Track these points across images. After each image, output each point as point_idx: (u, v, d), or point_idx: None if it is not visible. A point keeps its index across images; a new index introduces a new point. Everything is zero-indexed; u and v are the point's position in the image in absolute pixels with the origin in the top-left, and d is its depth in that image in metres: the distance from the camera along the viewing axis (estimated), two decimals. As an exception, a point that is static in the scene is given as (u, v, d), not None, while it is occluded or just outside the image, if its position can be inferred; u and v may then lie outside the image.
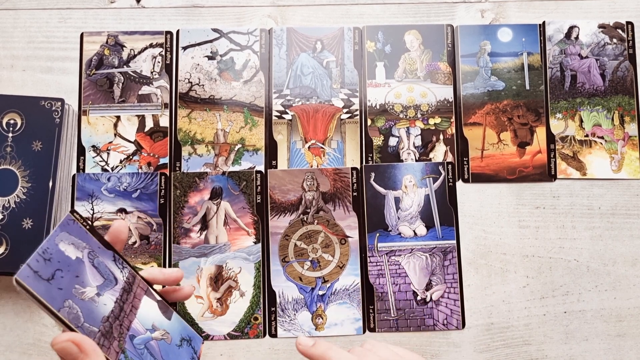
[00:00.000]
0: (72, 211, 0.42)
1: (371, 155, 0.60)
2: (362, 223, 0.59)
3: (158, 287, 0.45)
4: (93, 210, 0.58)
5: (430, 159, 0.60)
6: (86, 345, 0.36)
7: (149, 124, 0.60)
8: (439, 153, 0.60)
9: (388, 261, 0.58)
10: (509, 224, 0.59)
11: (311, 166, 0.60)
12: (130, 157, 0.60)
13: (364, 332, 0.57)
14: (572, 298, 0.58)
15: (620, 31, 0.62)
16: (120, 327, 0.41)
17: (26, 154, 0.56)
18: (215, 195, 0.59)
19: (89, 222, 0.42)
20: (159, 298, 0.46)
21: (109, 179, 0.58)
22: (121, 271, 0.43)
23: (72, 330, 0.36)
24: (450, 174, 0.59)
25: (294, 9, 0.62)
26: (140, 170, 0.59)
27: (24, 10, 0.62)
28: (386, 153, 0.60)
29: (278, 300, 0.57)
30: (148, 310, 0.44)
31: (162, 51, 0.61)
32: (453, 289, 0.58)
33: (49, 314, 0.36)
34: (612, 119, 0.61)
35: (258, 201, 0.59)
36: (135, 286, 0.44)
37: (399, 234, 0.58)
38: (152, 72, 0.61)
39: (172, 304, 0.47)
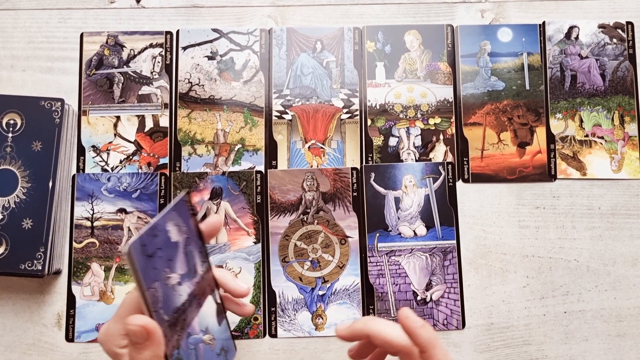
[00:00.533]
0: (187, 192, 0.41)
1: (371, 155, 0.60)
2: (362, 223, 0.59)
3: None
4: (93, 210, 0.58)
5: (430, 159, 0.60)
6: (156, 335, 0.36)
7: (149, 124, 0.60)
8: (439, 153, 0.60)
9: (388, 261, 0.58)
10: (509, 224, 0.59)
11: (311, 166, 0.60)
12: (130, 157, 0.60)
13: (364, 332, 0.57)
14: (572, 298, 0.58)
15: (620, 31, 0.62)
16: (184, 322, 0.40)
17: (26, 154, 0.56)
18: (215, 195, 0.59)
19: (195, 209, 0.41)
20: (219, 301, 0.46)
21: (108, 179, 0.58)
22: (201, 265, 0.43)
23: (149, 312, 0.36)
24: (450, 174, 0.59)
25: (294, 9, 0.62)
26: (140, 171, 0.59)
27: (23, 10, 0.62)
28: (386, 153, 0.60)
29: (278, 300, 0.57)
30: (207, 311, 0.44)
31: (162, 51, 0.61)
32: (453, 289, 0.58)
33: (139, 291, 0.35)
34: (612, 119, 0.61)
35: (258, 201, 0.59)
36: (206, 283, 0.44)
37: (399, 234, 0.58)
38: (152, 72, 0.61)
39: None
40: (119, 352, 0.39)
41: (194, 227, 0.42)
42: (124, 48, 0.61)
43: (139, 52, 0.61)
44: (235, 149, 0.60)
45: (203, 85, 0.61)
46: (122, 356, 0.39)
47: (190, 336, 0.41)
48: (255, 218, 0.58)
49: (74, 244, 0.58)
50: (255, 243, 0.58)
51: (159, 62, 0.61)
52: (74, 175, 0.59)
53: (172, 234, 0.39)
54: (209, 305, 0.44)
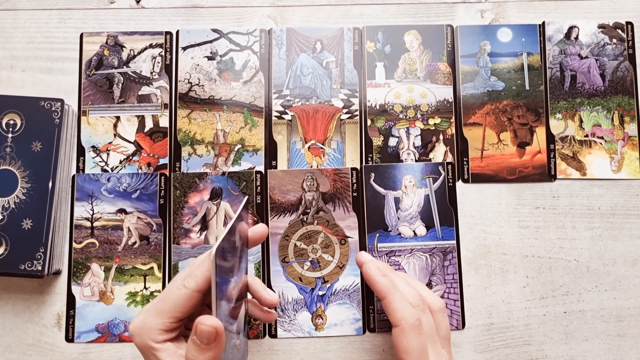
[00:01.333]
0: (248, 198, 0.41)
1: (371, 155, 0.60)
2: (362, 223, 0.59)
3: None
4: (93, 210, 0.58)
5: (430, 159, 0.60)
6: (221, 338, 0.36)
7: (149, 125, 0.60)
8: (439, 153, 0.60)
9: (388, 261, 0.58)
10: (509, 224, 0.59)
11: (311, 166, 0.60)
12: (130, 157, 0.60)
13: (364, 332, 0.57)
14: (572, 298, 0.58)
15: (620, 31, 0.62)
16: (229, 325, 0.40)
17: (26, 154, 0.55)
18: (215, 195, 0.59)
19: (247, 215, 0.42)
20: (246, 307, 0.46)
21: (108, 180, 0.58)
22: (244, 270, 0.43)
23: (216, 315, 0.36)
24: (450, 174, 0.59)
25: (294, 9, 0.62)
26: (140, 171, 0.59)
27: (23, 10, 0.62)
28: (386, 153, 0.60)
29: (278, 300, 0.57)
30: (241, 317, 0.44)
31: (161, 51, 0.61)
32: (453, 289, 0.58)
33: (213, 293, 0.35)
34: (612, 119, 0.61)
35: (258, 201, 0.59)
36: (244, 288, 0.44)
37: (399, 234, 0.58)
38: (151, 73, 0.61)
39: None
40: (155, 346, 0.39)
41: (246, 233, 0.43)
42: (123, 48, 0.61)
43: (139, 53, 0.61)
44: (235, 149, 0.60)
45: (203, 85, 0.61)
46: (157, 351, 0.39)
47: (231, 340, 0.41)
48: (255, 218, 0.58)
49: (74, 244, 0.58)
50: (255, 243, 0.58)
51: (158, 62, 0.61)
52: (73, 176, 0.59)
53: (236, 239, 0.39)
54: (242, 312, 0.44)
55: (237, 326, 0.43)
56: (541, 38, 0.62)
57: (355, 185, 0.59)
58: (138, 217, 0.58)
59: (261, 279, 0.58)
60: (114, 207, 0.58)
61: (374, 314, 0.57)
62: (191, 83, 0.61)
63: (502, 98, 0.61)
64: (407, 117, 0.61)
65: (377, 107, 0.61)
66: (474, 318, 0.58)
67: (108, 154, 0.59)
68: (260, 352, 0.57)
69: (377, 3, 0.63)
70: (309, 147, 0.60)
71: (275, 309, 0.57)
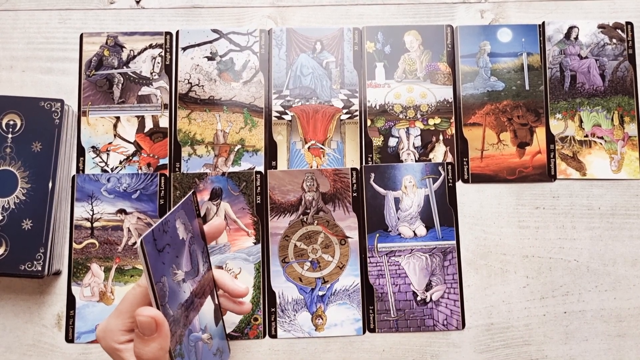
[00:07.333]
0: (194, 192, 0.42)
1: (371, 155, 0.60)
2: (362, 223, 0.59)
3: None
4: (93, 211, 0.58)
5: (430, 160, 0.60)
6: (163, 327, 0.37)
7: (149, 125, 0.60)
8: (439, 153, 0.60)
9: (388, 262, 0.58)
10: (509, 224, 0.59)
11: (311, 167, 0.60)
12: (130, 157, 0.60)
13: (364, 332, 0.57)
14: (572, 298, 0.58)
15: (619, 31, 0.62)
16: (186, 318, 0.41)
17: (26, 154, 0.55)
18: (215, 196, 0.59)
19: (199, 209, 0.43)
20: (217, 302, 0.46)
21: (108, 180, 0.58)
22: (203, 265, 0.43)
23: (157, 306, 0.37)
24: (450, 174, 0.59)
25: (294, 9, 0.62)
26: (140, 171, 0.59)
27: (23, 11, 0.62)
28: (386, 153, 0.60)
29: (278, 300, 0.57)
30: (206, 311, 0.45)
31: (161, 52, 0.61)
32: (453, 290, 0.58)
33: (148, 283, 0.36)
34: (612, 119, 0.61)
35: (258, 202, 0.59)
36: (206, 283, 0.44)
37: (399, 234, 0.58)
38: (151, 73, 0.61)
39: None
40: (118, 347, 0.40)
41: (198, 228, 0.43)
42: (123, 49, 0.61)
43: (139, 53, 0.61)
44: (235, 149, 0.60)
45: (203, 85, 0.61)
46: (121, 352, 0.39)
47: (192, 333, 0.41)
48: (255, 218, 0.58)
49: (74, 245, 0.58)
50: (255, 243, 0.58)
51: (158, 62, 0.61)
52: (73, 176, 0.59)
53: (180, 231, 0.40)
54: (208, 305, 0.45)
55: (202, 321, 0.43)
56: (541, 38, 0.62)
57: (355, 185, 0.59)
58: (138, 218, 0.58)
59: (261, 279, 0.58)
60: (113, 207, 0.58)
61: (374, 314, 0.57)
62: (191, 83, 0.61)
63: (502, 98, 0.61)
64: (407, 117, 0.61)
65: (377, 108, 0.61)
66: (474, 318, 0.58)
67: (108, 154, 0.59)
68: (260, 352, 0.57)
69: (377, 3, 0.63)
70: (309, 148, 0.60)
71: (276, 308, 0.57)
